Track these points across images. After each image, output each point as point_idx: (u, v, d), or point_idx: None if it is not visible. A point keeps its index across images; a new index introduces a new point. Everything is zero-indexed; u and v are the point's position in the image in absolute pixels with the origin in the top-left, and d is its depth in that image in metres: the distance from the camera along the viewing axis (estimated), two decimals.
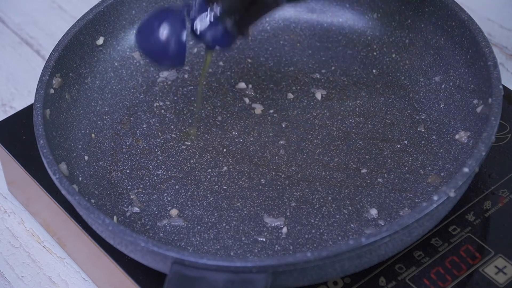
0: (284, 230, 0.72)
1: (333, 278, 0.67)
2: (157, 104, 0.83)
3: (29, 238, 0.82)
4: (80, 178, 0.75)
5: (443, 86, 0.80)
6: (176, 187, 0.76)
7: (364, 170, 0.76)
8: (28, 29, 1.04)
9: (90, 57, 0.82)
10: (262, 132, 0.80)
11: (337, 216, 0.73)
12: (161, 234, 0.73)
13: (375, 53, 0.86)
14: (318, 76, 0.85)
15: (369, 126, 0.80)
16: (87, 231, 0.72)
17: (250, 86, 0.84)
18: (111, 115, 0.82)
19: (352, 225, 0.72)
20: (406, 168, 0.76)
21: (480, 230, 0.71)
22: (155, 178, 0.77)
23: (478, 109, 0.75)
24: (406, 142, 0.78)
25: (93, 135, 0.79)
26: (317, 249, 0.70)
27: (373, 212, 0.73)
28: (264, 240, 0.72)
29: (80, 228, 0.73)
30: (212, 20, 0.69)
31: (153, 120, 0.82)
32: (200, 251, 0.71)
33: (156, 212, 0.74)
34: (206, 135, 0.80)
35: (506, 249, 0.70)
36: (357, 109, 0.81)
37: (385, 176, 0.75)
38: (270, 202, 0.74)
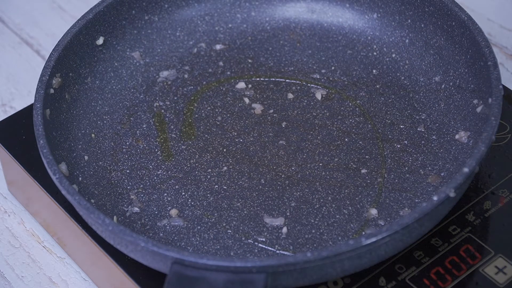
0: (284, 230, 0.72)
1: (333, 278, 0.66)
2: (157, 104, 0.83)
3: (29, 238, 0.82)
4: (80, 178, 0.75)
5: (443, 86, 0.80)
6: (176, 187, 0.76)
7: (364, 170, 0.76)
8: (28, 29, 1.04)
9: (90, 57, 0.82)
10: (262, 132, 0.80)
11: (337, 216, 0.73)
12: (161, 234, 0.73)
13: (375, 53, 0.86)
14: (318, 76, 0.85)
15: (369, 126, 0.80)
16: (87, 231, 0.72)
17: (250, 86, 0.84)
18: (111, 115, 0.82)
19: (352, 225, 0.72)
20: (406, 168, 0.76)
21: (480, 230, 0.71)
22: (155, 178, 0.77)
23: (478, 109, 0.75)
24: (406, 142, 0.78)
25: (93, 135, 0.79)
26: (317, 249, 0.70)
27: (373, 212, 0.73)
28: (264, 240, 0.72)
29: (80, 228, 0.73)
30: None
31: (153, 120, 0.82)
32: (200, 251, 0.71)
33: (156, 212, 0.74)
34: (206, 135, 0.80)
35: (506, 249, 0.70)
36: (357, 109, 0.81)
37: (385, 176, 0.75)
38: (270, 202, 0.74)
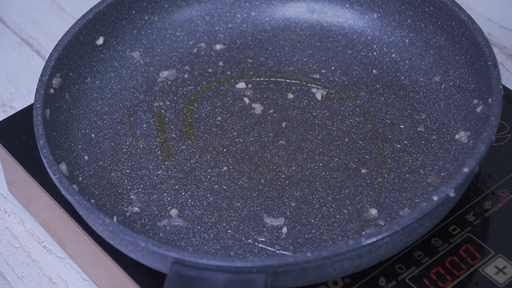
0: (284, 230, 0.72)
1: (333, 278, 0.66)
2: (157, 104, 0.83)
3: (29, 238, 0.82)
4: (80, 178, 0.75)
5: (443, 86, 0.80)
6: (176, 187, 0.76)
7: (364, 170, 0.76)
8: (28, 29, 1.04)
9: (90, 57, 0.82)
10: (262, 132, 0.80)
11: (337, 216, 0.73)
12: (161, 234, 0.73)
13: (375, 53, 0.86)
14: (318, 76, 0.85)
15: (369, 126, 0.80)
16: (87, 231, 0.72)
17: (250, 86, 0.84)
18: (111, 115, 0.82)
19: (352, 225, 0.72)
20: (406, 168, 0.76)
21: (480, 230, 0.71)
22: (155, 178, 0.77)
23: (478, 109, 0.75)
24: (406, 142, 0.78)
25: (93, 135, 0.79)
26: (317, 249, 0.70)
27: (373, 212, 0.73)
28: (264, 240, 0.72)
29: (80, 228, 0.73)
30: None
31: (153, 120, 0.82)
32: (200, 251, 0.71)
33: (156, 212, 0.74)
34: (206, 135, 0.80)
35: (506, 249, 0.70)
36: (357, 109, 0.81)
37: (385, 176, 0.75)
38: (270, 202, 0.74)
